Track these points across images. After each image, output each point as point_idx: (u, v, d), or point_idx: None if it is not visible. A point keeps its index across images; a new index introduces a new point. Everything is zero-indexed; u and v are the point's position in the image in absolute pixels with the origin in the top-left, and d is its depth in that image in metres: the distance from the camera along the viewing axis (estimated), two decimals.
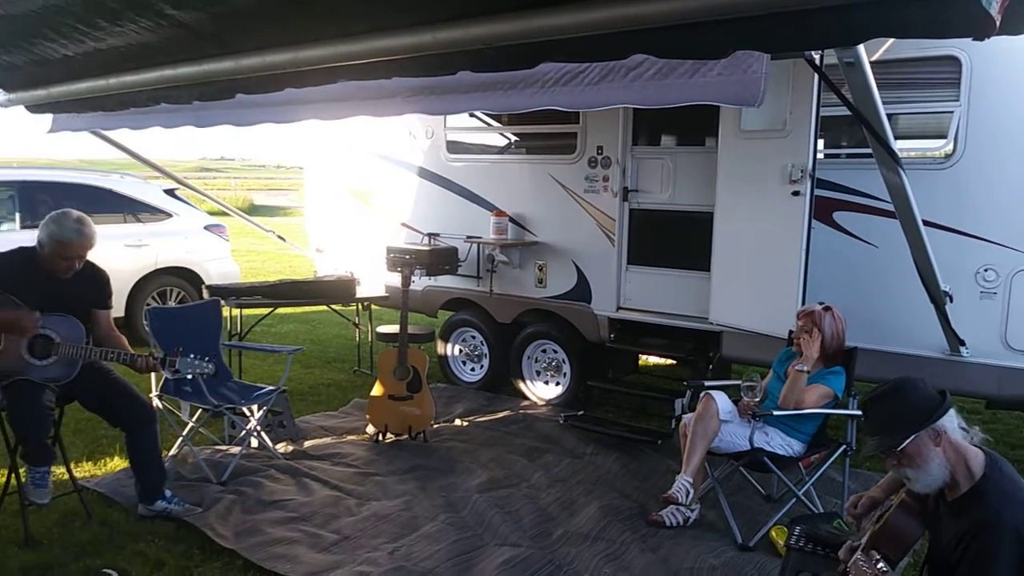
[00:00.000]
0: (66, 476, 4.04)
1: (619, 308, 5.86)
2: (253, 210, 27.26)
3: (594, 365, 6.11)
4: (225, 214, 8.89)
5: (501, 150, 6.73)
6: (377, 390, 5.29)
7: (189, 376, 4.00)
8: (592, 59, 3.14)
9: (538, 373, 6.34)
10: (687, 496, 3.91)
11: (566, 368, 6.17)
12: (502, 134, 6.69)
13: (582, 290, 5.99)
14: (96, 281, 4.00)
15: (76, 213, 3.86)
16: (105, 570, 3.44)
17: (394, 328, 5.89)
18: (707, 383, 4.34)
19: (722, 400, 4.04)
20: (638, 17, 2.34)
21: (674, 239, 5.64)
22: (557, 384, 6.25)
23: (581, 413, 5.72)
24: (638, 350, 6.29)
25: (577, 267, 6.00)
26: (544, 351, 6.28)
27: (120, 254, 7.58)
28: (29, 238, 3.95)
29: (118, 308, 7.37)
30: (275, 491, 4.33)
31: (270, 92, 3.85)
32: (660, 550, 3.80)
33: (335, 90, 3.75)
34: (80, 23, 3.58)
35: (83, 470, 4.56)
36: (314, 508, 4.14)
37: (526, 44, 2.76)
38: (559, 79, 3.67)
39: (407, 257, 6.19)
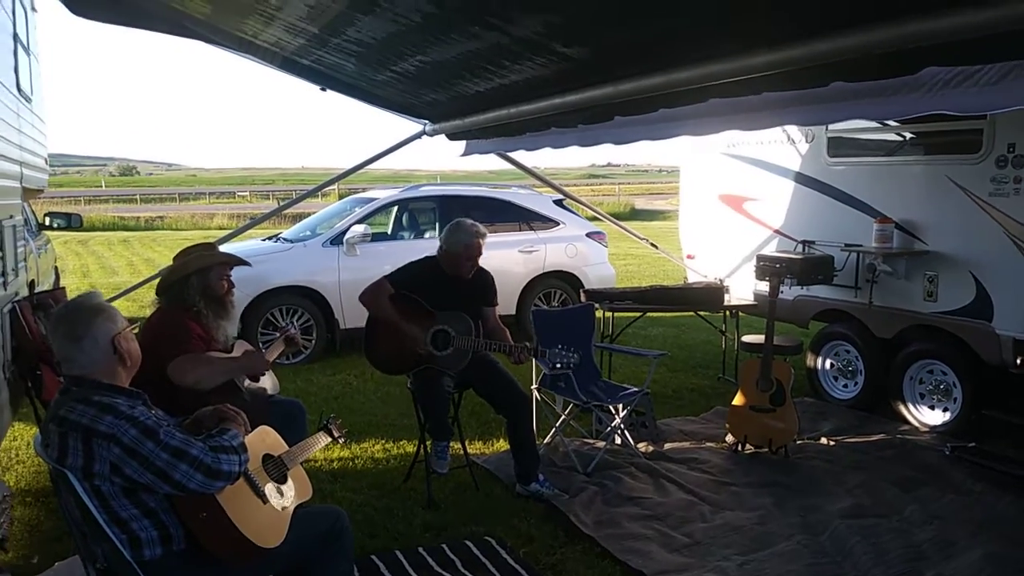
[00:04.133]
0: (461, 452, 4.71)
1: None
2: (633, 215, 28.53)
3: (992, 392, 5.36)
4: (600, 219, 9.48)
5: (888, 151, 6.22)
6: (739, 400, 5.27)
7: (557, 365, 4.37)
8: (981, 62, 2.83)
9: (922, 396, 5.75)
10: None
11: (956, 393, 5.51)
12: (897, 133, 6.18)
13: (981, 306, 5.30)
14: (486, 282, 4.65)
15: (469, 220, 4.55)
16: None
17: (759, 338, 5.80)
18: None
19: None
20: None
21: None
22: (944, 410, 5.61)
23: (972, 445, 5.07)
24: None
25: (976, 280, 5.33)
26: (930, 372, 5.68)
27: (515, 258, 8.58)
28: None
29: (510, 306, 8.36)
30: (634, 488, 4.57)
31: (645, 113, 4.12)
32: None
33: (706, 105, 3.85)
34: (489, 64, 4.22)
35: (475, 448, 5.26)
36: (669, 509, 4.30)
37: (903, 51, 2.60)
38: (949, 81, 3.31)
39: (777, 266, 6.05)
